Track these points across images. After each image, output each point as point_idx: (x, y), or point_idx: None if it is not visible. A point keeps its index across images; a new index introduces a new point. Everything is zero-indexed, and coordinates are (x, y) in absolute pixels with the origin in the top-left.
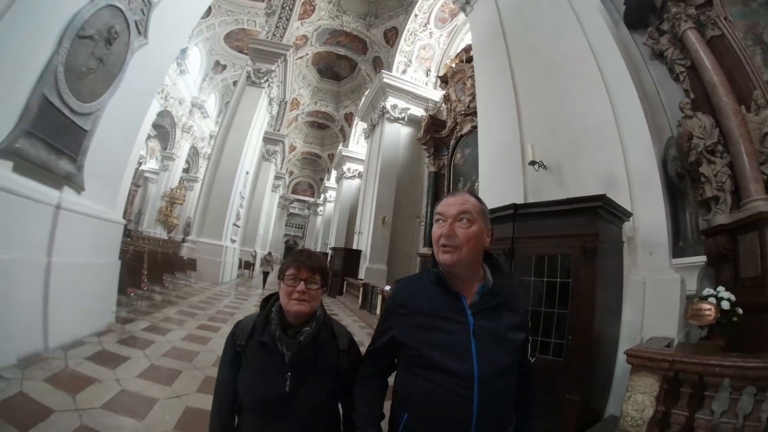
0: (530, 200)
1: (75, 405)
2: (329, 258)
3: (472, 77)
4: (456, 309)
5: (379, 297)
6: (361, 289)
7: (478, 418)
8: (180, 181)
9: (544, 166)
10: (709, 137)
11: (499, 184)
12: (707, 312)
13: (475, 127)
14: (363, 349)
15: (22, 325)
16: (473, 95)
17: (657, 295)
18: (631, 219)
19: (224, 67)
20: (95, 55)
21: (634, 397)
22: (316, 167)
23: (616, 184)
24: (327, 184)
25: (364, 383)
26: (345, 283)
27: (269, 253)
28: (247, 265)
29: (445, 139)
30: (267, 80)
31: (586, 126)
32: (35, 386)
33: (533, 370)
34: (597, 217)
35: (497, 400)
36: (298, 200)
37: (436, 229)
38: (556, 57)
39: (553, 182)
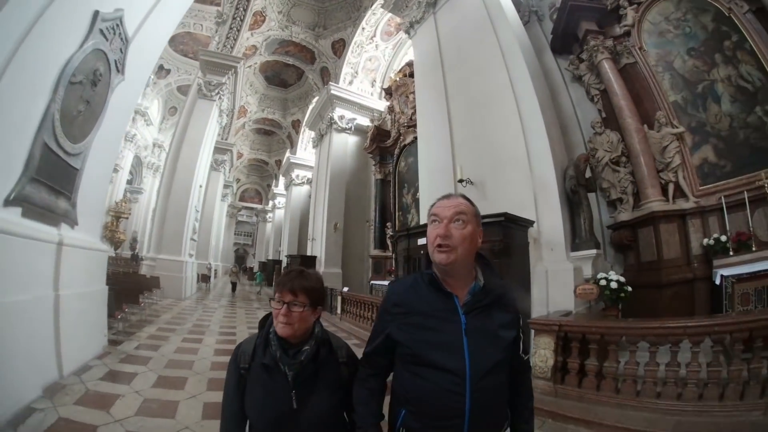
0: None
1: (113, 418)
2: (288, 265)
3: (413, 92)
4: (449, 308)
5: (339, 298)
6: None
7: (471, 413)
8: (124, 194)
9: (471, 182)
10: (615, 151)
11: (435, 197)
12: (590, 291)
13: (417, 138)
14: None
15: (40, 358)
16: (415, 108)
17: (557, 279)
18: (535, 225)
19: (168, 71)
20: (83, 97)
21: (539, 352)
22: (263, 173)
23: (525, 198)
24: (276, 190)
25: (363, 384)
26: None
27: (235, 266)
28: (204, 278)
29: (390, 148)
30: (218, 93)
31: (504, 150)
32: (70, 410)
33: (528, 368)
34: (501, 227)
35: (489, 396)
36: (246, 207)
37: (432, 230)
38: (485, 90)
39: (478, 196)
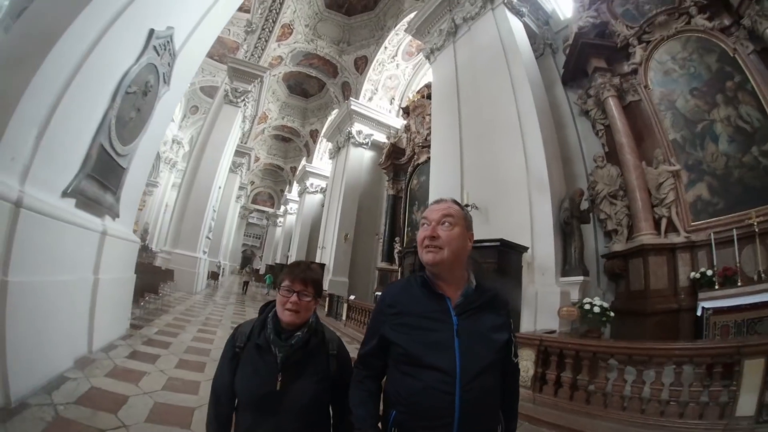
0: None
1: (141, 390)
2: None
3: (429, 114)
4: (441, 309)
5: (345, 305)
6: (327, 299)
7: (461, 413)
8: None
9: (477, 207)
10: (613, 185)
11: None
12: (572, 313)
13: (430, 158)
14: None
15: (74, 333)
16: (430, 129)
17: (545, 301)
18: (530, 250)
19: None
20: (135, 106)
21: (522, 363)
22: (277, 178)
23: (523, 225)
24: (288, 196)
25: (359, 386)
26: None
27: (249, 266)
28: (213, 276)
29: (404, 165)
30: (243, 100)
31: (508, 180)
32: (101, 381)
33: (517, 370)
34: (497, 251)
35: (479, 397)
36: (258, 210)
37: (421, 232)
38: (494, 121)
39: (481, 220)
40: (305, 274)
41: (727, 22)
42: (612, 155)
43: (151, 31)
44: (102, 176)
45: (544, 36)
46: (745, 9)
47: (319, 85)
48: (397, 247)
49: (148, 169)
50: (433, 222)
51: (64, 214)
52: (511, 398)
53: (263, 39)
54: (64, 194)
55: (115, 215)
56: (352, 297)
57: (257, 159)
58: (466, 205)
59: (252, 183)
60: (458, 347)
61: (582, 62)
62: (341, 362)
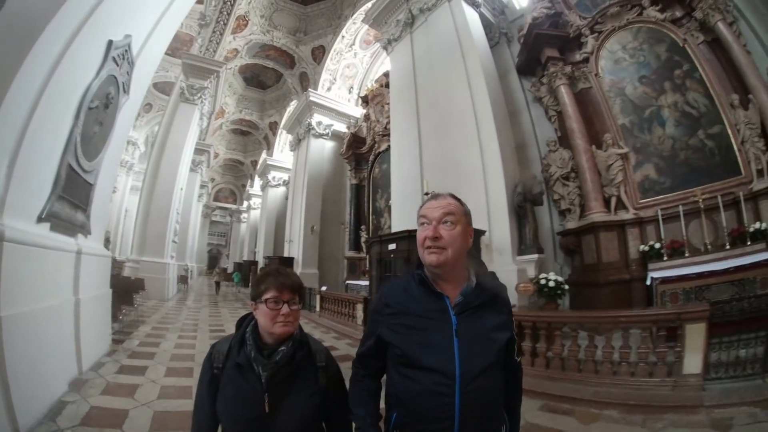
0: None
1: (138, 402)
2: (266, 266)
3: (389, 102)
4: (439, 309)
5: (318, 296)
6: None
7: (461, 415)
8: None
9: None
10: (565, 167)
11: (405, 208)
12: (528, 288)
13: (390, 147)
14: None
15: (64, 357)
16: (389, 118)
17: (504, 279)
18: (487, 233)
19: None
20: (98, 120)
21: None
22: (238, 173)
23: (480, 210)
24: (251, 191)
25: (358, 385)
26: None
27: (218, 267)
28: (183, 280)
29: (365, 154)
30: (200, 97)
31: (465, 168)
32: (98, 400)
33: (520, 369)
34: None
35: (480, 398)
36: (221, 208)
37: (421, 232)
38: (451, 111)
39: None
40: (291, 280)
41: (678, 14)
42: (564, 139)
43: (110, 43)
44: (72, 195)
45: (500, 25)
46: (698, 2)
47: (276, 76)
48: (364, 236)
49: (113, 181)
50: (433, 221)
51: (42, 240)
52: (515, 398)
53: (218, 32)
54: (39, 219)
55: (87, 233)
56: (324, 288)
57: (216, 155)
58: (426, 193)
59: (212, 180)
60: (457, 348)
61: (536, 51)
62: (330, 375)
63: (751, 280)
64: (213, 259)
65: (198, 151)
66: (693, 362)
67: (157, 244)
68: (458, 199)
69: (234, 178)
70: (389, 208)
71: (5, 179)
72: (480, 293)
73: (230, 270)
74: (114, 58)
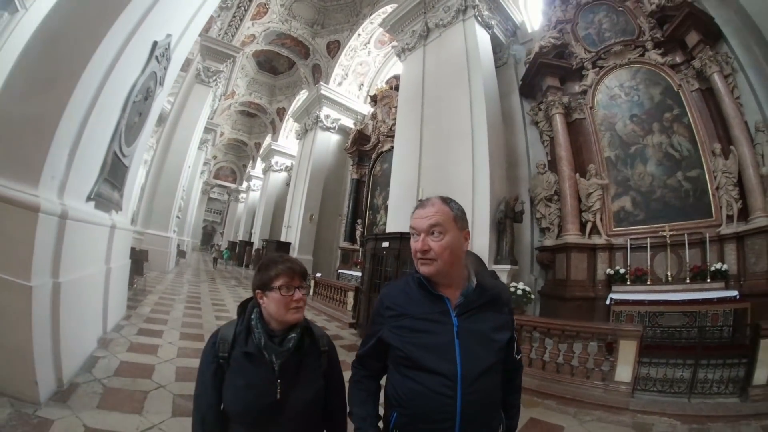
0: None
1: (161, 359)
2: (262, 248)
3: (396, 106)
4: (440, 311)
5: (312, 282)
6: None
7: (462, 416)
8: None
9: None
10: (550, 190)
11: (400, 211)
12: None
13: (393, 148)
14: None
15: (95, 318)
16: (395, 120)
17: None
18: (470, 241)
19: None
20: (138, 111)
21: None
22: (240, 153)
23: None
24: (252, 172)
25: (358, 385)
26: None
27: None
28: (181, 254)
29: (368, 152)
30: (215, 80)
31: (456, 182)
32: (126, 356)
33: (520, 366)
34: None
35: (481, 398)
36: (220, 185)
37: (412, 244)
38: (451, 127)
39: None
40: (300, 266)
41: (678, 59)
42: (553, 164)
43: (155, 44)
44: (113, 177)
45: (510, 46)
46: (698, 52)
47: (289, 64)
48: (359, 229)
49: (141, 162)
50: (422, 233)
51: (89, 217)
52: (515, 395)
53: (238, 17)
54: (88, 199)
55: (119, 209)
56: (318, 274)
57: (221, 134)
58: (420, 200)
59: (215, 158)
60: (459, 349)
61: (538, 79)
62: (330, 358)
63: (702, 313)
64: (207, 236)
65: (206, 130)
66: (624, 372)
67: (163, 218)
68: (447, 202)
69: (236, 158)
70: (386, 206)
71: (66, 167)
72: (481, 294)
73: (223, 248)
74: (156, 57)
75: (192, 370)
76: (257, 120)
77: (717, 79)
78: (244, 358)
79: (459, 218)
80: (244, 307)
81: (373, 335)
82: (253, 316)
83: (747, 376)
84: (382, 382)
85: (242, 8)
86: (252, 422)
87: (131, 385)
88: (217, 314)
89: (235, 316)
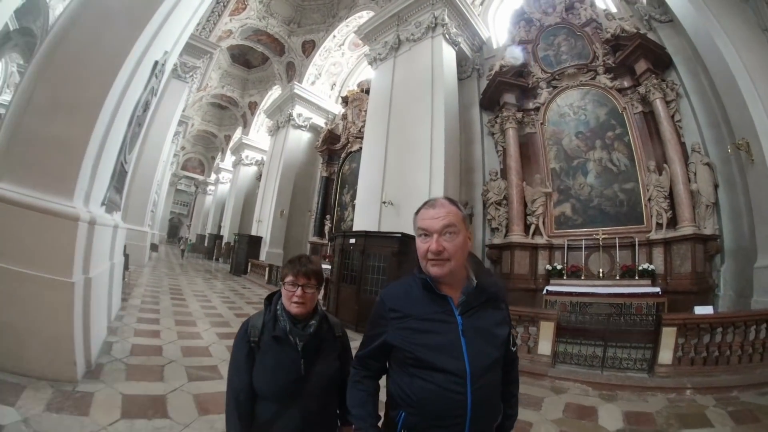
0: (383, 224)
1: (166, 341)
2: (234, 242)
3: (366, 109)
4: (444, 310)
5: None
6: (267, 268)
7: (472, 411)
8: None
9: (392, 204)
10: (500, 195)
11: (366, 211)
12: None
13: (362, 149)
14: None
15: (105, 308)
16: (365, 122)
17: None
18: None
19: None
20: (139, 122)
21: None
22: (210, 145)
23: None
24: (221, 165)
25: (358, 386)
26: (249, 264)
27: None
28: (154, 248)
29: (338, 151)
30: (192, 75)
31: (415, 188)
32: (135, 339)
33: (516, 358)
34: (399, 240)
35: (488, 392)
36: (188, 177)
37: (422, 244)
38: (413, 138)
39: (394, 214)
40: (306, 267)
41: (626, 84)
42: (504, 172)
43: (155, 63)
44: (118, 183)
45: (475, 61)
46: (645, 79)
47: (262, 58)
48: (328, 224)
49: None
50: (435, 234)
51: (105, 220)
52: (513, 385)
53: (217, 12)
54: (102, 204)
55: (118, 209)
56: None
57: (192, 125)
58: (384, 202)
59: (183, 149)
60: (465, 347)
61: (496, 95)
62: (344, 344)
63: (628, 305)
64: (174, 228)
65: (178, 122)
66: (544, 347)
67: (139, 213)
68: (454, 203)
69: (204, 149)
70: (353, 204)
71: (90, 179)
72: (482, 292)
73: (192, 241)
74: (156, 74)
75: (193, 349)
76: (228, 112)
77: (659, 105)
78: (273, 341)
79: (466, 219)
80: (270, 299)
81: (376, 337)
82: (278, 307)
83: (653, 356)
84: (381, 382)
85: (221, 4)
86: (282, 396)
87: (147, 362)
88: (201, 304)
89: (215, 306)
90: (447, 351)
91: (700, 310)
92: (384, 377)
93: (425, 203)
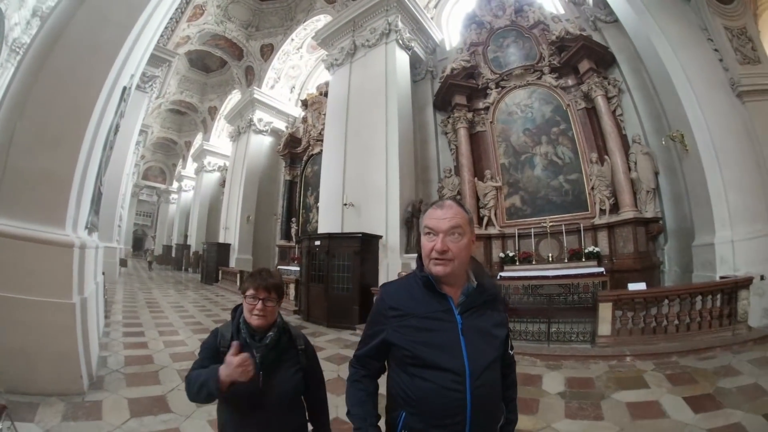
0: (346, 225)
1: (156, 350)
2: (203, 251)
3: (325, 113)
4: (444, 309)
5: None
6: (238, 275)
7: (472, 410)
8: None
9: (353, 205)
10: (454, 191)
11: (329, 213)
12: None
13: (323, 151)
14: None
15: (95, 326)
16: (324, 125)
17: (393, 270)
18: (384, 237)
19: None
20: (110, 144)
21: None
22: (170, 152)
23: (381, 220)
24: (183, 172)
25: (357, 385)
26: (220, 271)
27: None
28: (122, 263)
29: (300, 154)
30: (151, 85)
31: (373, 188)
32: (127, 352)
33: (513, 362)
34: (360, 239)
35: (487, 392)
36: (149, 186)
37: (427, 243)
38: (369, 142)
39: (355, 215)
40: (267, 282)
41: (570, 82)
42: (457, 169)
43: (124, 89)
44: (95, 205)
45: (428, 63)
46: (587, 77)
47: (221, 61)
48: (294, 227)
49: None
50: (441, 233)
51: (89, 242)
52: (512, 390)
53: (174, 19)
54: (85, 228)
55: (96, 229)
56: None
57: (151, 132)
58: (345, 204)
59: (143, 157)
60: (464, 346)
61: (448, 96)
62: (309, 356)
63: (575, 285)
64: (138, 240)
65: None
66: None
67: (107, 228)
68: (462, 206)
69: (165, 157)
70: (317, 206)
71: (76, 207)
72: (481, 293)
73: (158, 253)
74: (124, 98)
75: (181, 354)
76: (187, 118)
77: (600, 101)
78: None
79: (472, 222)
80: (236, 310)
81: (375, 335)
82: (240, 320)
83: (594, 329)
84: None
85: (179, 10)
86: (241, 407)
87: (142, 370)
88: (179, 314)
89: (193, 315)
90: (446, 349)
91: (633, 286)
92: (383, 378)
93: (433, 203)
